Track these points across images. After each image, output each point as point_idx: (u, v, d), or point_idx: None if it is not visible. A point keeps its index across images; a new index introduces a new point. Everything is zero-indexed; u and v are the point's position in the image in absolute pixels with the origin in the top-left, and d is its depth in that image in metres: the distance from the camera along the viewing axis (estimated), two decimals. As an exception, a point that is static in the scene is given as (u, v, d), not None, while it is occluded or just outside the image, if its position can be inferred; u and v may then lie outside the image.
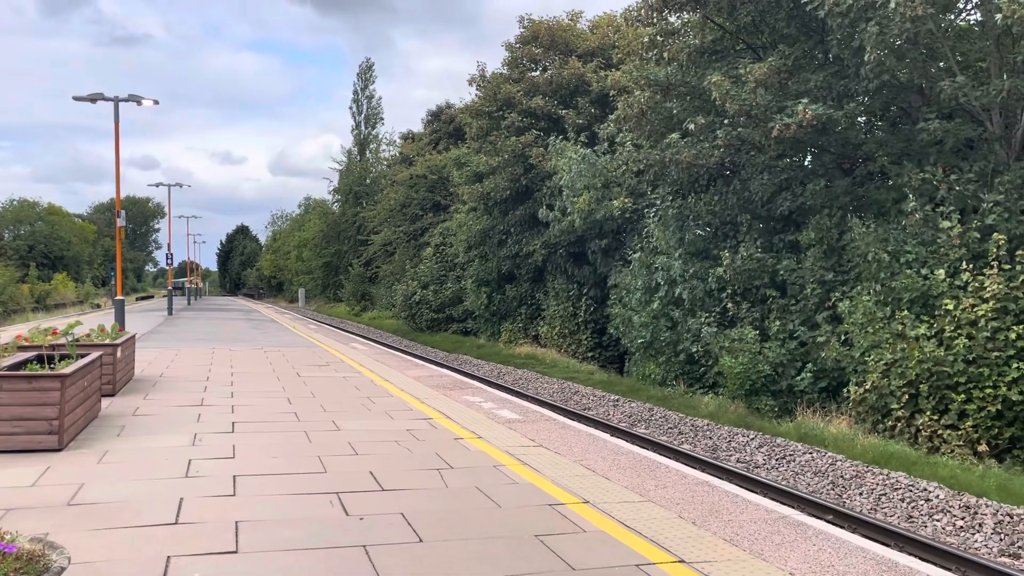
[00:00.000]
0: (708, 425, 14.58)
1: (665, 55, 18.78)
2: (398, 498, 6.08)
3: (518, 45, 30.76)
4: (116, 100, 24.34)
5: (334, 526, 5.37)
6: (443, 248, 39.47)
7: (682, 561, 4.86)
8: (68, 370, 7.67)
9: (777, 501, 8.00)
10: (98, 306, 63.34)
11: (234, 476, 6.59)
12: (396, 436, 8.46)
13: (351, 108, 71.76)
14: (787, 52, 16.03)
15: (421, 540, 5.12)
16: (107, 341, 11.06)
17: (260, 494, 6.11)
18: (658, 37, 19.06)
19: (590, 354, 25.62)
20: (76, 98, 24.28)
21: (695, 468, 9.32)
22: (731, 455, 12.69)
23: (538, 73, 30.37)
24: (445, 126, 50.34)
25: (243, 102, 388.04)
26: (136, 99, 24.83)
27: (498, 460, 7.45)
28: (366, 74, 72.54)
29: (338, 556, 4.81)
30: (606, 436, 9.17)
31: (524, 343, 29.39)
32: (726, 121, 16.35)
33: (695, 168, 17.71)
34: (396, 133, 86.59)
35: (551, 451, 7.95)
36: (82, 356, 8.89)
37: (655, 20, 19.04)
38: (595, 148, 24.88)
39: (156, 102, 25.42)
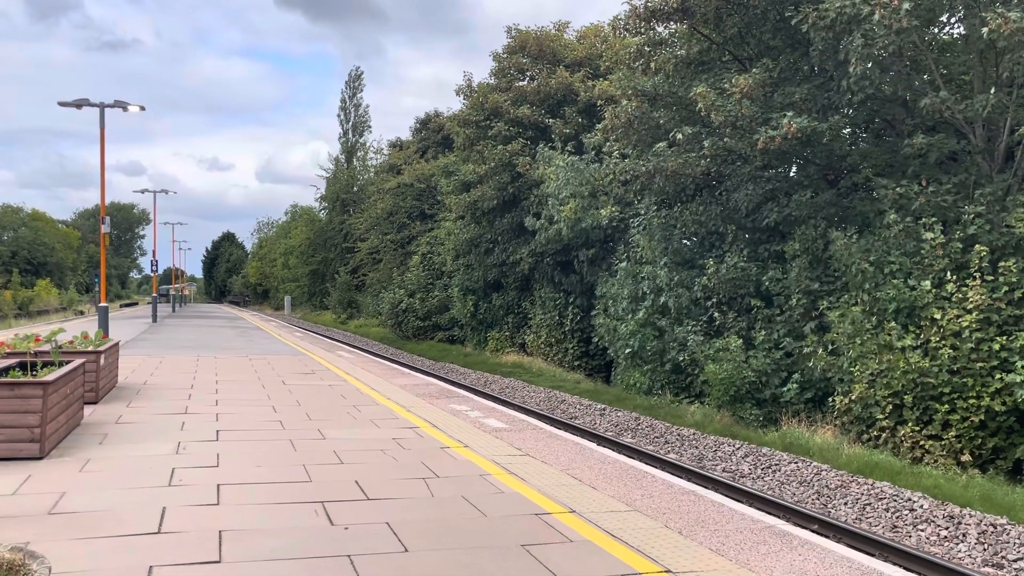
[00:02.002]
0: (694, 434, 14.60)
1: (652, 65, 18.87)
2: (383, 507, 6.05)
3: (505, 55, 30.83)
4: (102, 106, 24.24)
5: (319, 536, 5.34)
6: (430, 256, 39.43)
7: (668, 571, 4.85)
8: (50, 377, 7.59)
9: (763, 511, 8.02)
10: (81, 313, 62.88)
11: (218, 485, 6.54)
12: (382, 445, 8.43)
13: (339, 116, 71.89)
14: (772, 64, 16.15)
15: (406, 550, 5.10)
16: (90, 348, 10.96)
17: (244, 503, 6.06)
18: (645, 47, 19.14)
19: (577, 363, 25.63)
20: (61, 103, 24.17)
21: (681, 478, 9.33)
22: (717, 464, 12.71)
23: (525, 83, 30.45)
24: (433, 134, 50.37)
25: (232, 108, 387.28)
26: (122, 105, 24.74)
27: (484, 469, 7.43)
28: (354, 82, 72.66)
29: (322, 566, 4.78)
30: (593, 445, 9.16)
31: (511, 352, 29.37)
32: (712, 131, 16.44)
33: (681, 178, 17.78)
34: (384, 141, 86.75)
35: (538, 460, 7.94)
36: (65, 363, 8.81)
37: (642, 30, 19.12)
38: (582, 157, 24.94)
39: (142, 108, 25.34)
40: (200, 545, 5.06)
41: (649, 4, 17.73)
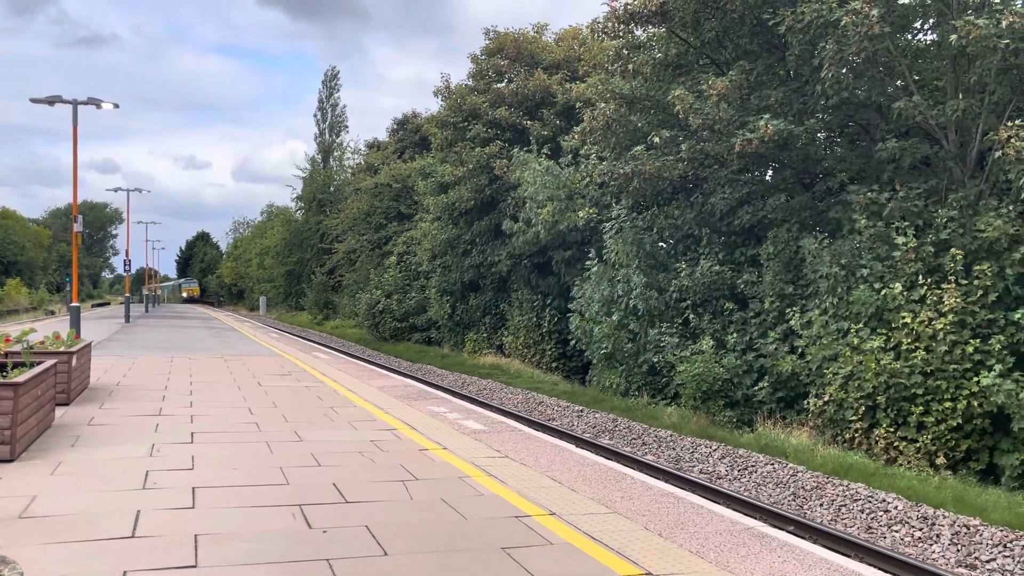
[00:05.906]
0: (671, 436, 14.65)
1: (630, 67, 18.93)
2: (362, 510, 6.00)
3: (484, 57, 30.79)
4: (75, 103, 23.90)
5: (296, 539, 5.28)
6: (407, 257, 39.28)
7: (649, 574, 4.85)
8: (21, 378, 7.46)
9: (740, 512, 8.05)
10: (52, 312, 62.00)
11: (193, 488, 6.45)
12: (359, 447, 8.36)
13: (315, 116, 71.74)
14: (749, 67, 16.25)
15: (386, 553, 5.05)
16: (62, 349, 10.79)
17: (220, 506, 5.99)
18: (624, 50, 19.21)
19: (554, 364, 25.63)
20: (33, 100, 23.80)
21: (660, 479, 9.35)
22: (694, 466, 12.76)
23: (503, 85, 30.43)
24: (411, 135, 50.19)
25: (208, 106, 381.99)
26: (95, 102, 24.42)
27: (464, 471, 7.39)
28: (331, 82, 72.44)
29: (300, 570, 4.72)
30: (571, 447, 9.16)
31: (488, 353, 29.31)
32: (690, 134, 16.52)
33: (658, 180, 17.84)
34: (362, 141, 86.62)
35: (517, 462, 7.92)
36: (36, 364, 8.66)
37: (621, 33, 19.18)
38: (559, 160, 24.96)
39: (116, 105, 25.02)
40: (175, 549, 4.98)
41: (628, 6, 17.79)
